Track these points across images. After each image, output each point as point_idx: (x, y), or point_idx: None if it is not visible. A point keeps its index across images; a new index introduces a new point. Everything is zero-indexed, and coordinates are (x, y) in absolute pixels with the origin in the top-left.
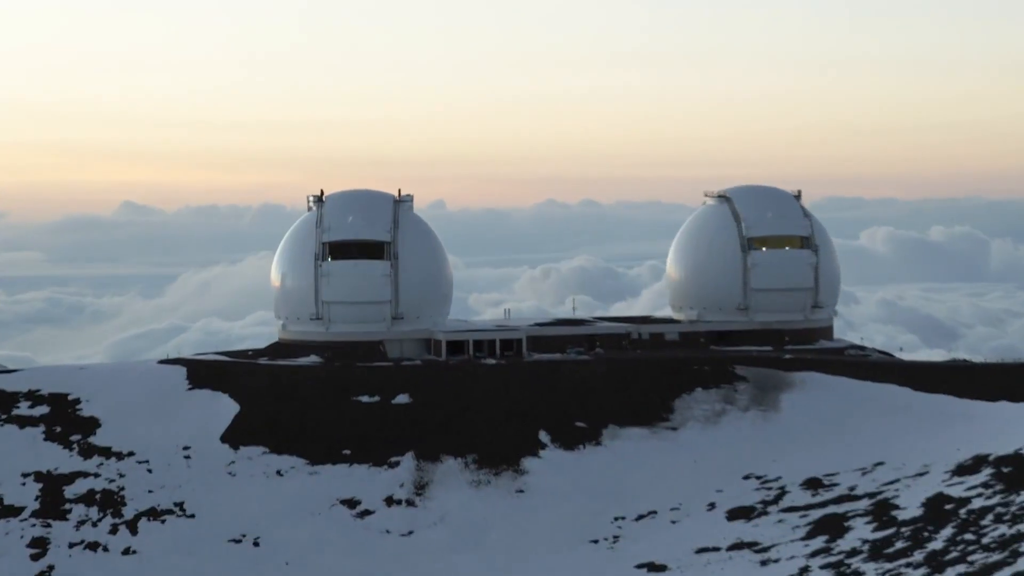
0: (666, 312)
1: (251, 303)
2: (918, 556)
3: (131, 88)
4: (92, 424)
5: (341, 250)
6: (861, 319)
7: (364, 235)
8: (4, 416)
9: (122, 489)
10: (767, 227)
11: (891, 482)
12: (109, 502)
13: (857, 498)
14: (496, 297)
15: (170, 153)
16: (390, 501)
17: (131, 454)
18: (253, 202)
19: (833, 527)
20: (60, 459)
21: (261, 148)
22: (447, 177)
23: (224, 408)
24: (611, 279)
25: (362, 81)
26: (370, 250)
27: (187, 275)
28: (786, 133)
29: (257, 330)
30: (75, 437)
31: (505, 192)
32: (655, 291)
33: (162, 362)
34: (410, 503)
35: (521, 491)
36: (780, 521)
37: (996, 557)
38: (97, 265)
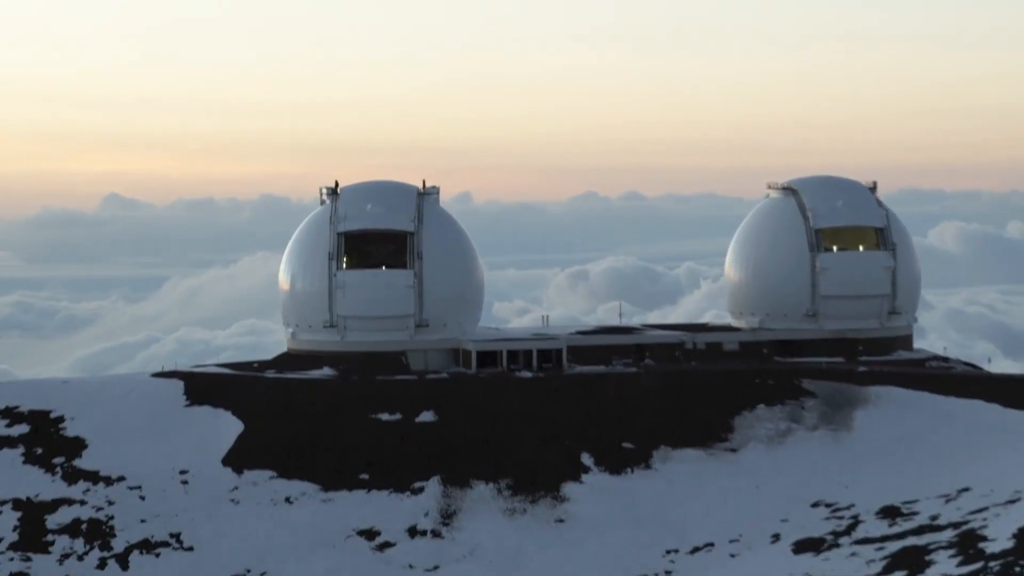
0: (724, 319)
1: (240, 310)
2: None
3: (118, 65)
4: (77, 445)
5: (359, 244)
6: (934, 325)
7: (385, 224)
8: None
9: (111, 518)
10: (837, 217)
11: (978, 510)
12: (97, 533)
13: (940, 528)
14: (520, 306)
15: (163, 139)
16: (413, 532)
17: (121, 479)
18: (255, 194)
19: (913, 561)
20: (41, 484)
21: (264, 133)
22: (474, 167)
23: (226, 427)
24: (651, 282)
25: (378, 57)
26: (391, 243)
27: (175, 280)
28: (859, 115)
29: (241, 340)
30: (58, 460)
31: (539, 184)
32: (701, 294)
33: (156, 375)
34: (436, 534)
35: (561, 520)
36: (853, 555)
37: None
38: (76, 266)
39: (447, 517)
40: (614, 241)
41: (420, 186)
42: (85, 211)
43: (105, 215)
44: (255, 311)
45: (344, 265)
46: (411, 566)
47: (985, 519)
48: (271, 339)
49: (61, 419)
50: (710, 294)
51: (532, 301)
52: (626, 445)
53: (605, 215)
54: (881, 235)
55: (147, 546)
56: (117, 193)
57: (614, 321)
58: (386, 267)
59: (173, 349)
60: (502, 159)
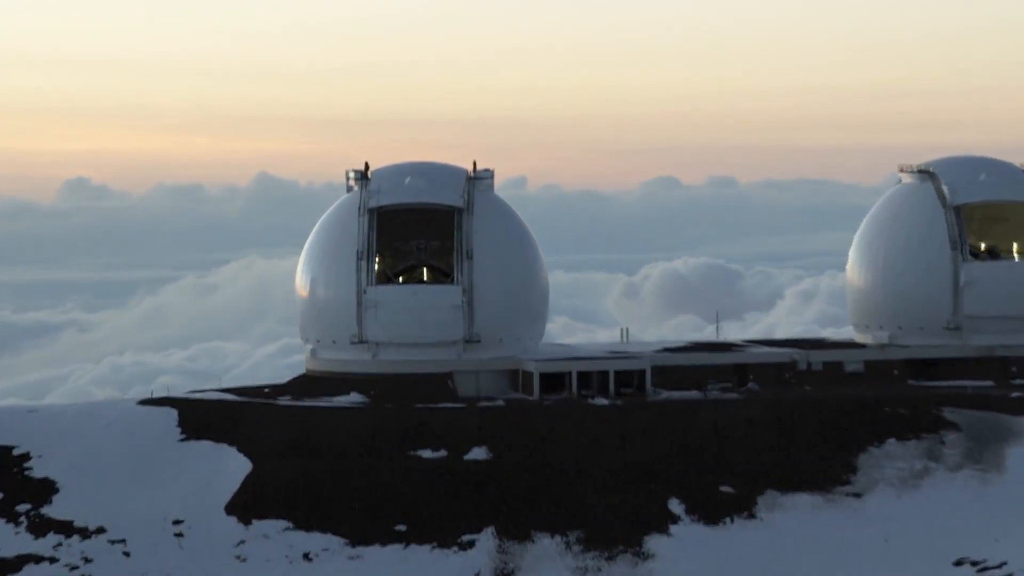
0: (846, 332)
1: (205, 330)
2: None
3: (85, 18)
4: (47, 489)
5: (393, 225)
6: None
7: (428, 198)
8: None
9: None
10: (979, 192)
11: None
12: None
13: None
14: (562, 324)
15: (140, 110)
16: None
17: (101, 531)
18: (251, 177)
19: None
20: (2, 537)
21: (267, 103)
22: (533, 145)
23: (231, 466)
24: (742, 287)
25: (410, 12)
26: (436, 226)
27: (147, 287)
28: (1006, 84)
29: (190, 365)
30: (23, 507)
31: (609, 166)
32: (808, 302)
33: (144, 403)
34: None
35: None
36: None
37: None
38: (23, 268)
39: None
40: (695, 237)
41: (471, 168)
42: (39, 201)
43: (65, 206)
44: (226, 330)
45: (376, 266)
46: None
47: None
48: (224, 363)
49: (26, 456)
50: (822, 302)
51: (580, 316)
52: (724, 489)
53: (685, 205)
54: None
55: None
56: (84, 178)
57: (708, 336)
58: (427, 271)
59: (102, 375)
60: (565, 134)
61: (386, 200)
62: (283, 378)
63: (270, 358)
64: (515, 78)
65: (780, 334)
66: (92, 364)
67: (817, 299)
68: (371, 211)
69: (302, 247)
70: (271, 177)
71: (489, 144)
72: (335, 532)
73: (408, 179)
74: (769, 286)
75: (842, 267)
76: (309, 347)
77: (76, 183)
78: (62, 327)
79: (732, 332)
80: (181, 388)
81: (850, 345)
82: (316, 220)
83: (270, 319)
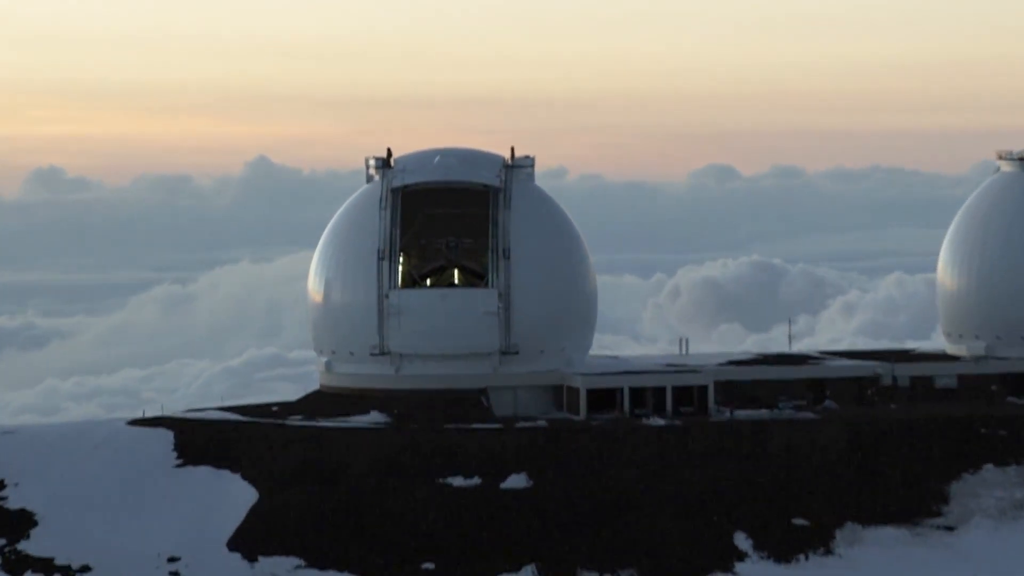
0: (936, 343)
1: (166, 349)
2: None
3: None
4: (24, 521)
5: (420, 205)
6: None
7: (461, 176)
8: None
9: None
10: None
11: None
12: None
13: None
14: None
15: (122, 90)
16: None
17: (86, 570)
18: (245, 163)
19: None
20: None
21: (268, 81)
22: (573, 129)
23: (234, 496)
24: (809, 291)
25: None
26: (469, 208)
27: (119, 296)
28: None
29: (129, 384)
30: None
31: (656, 154)
32: (889, 308)
33: (135, 423)
34: None
35: None
36: None
37: None
38: None
39: None
40: (750, 235)
41: (508, 155)
42: (2, 196)
43: (31, 199)
44: (196, 348)
45: (399, 267)
46: None
47: None
48: (167, 384)
49: (1, 484)
50: (911, 307)
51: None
52: (798, 522)
53: (741, 197)
54: None
55: None
56: (57, 167)
57: (779, 347)
58: (459, 272)
59: (30, 404)
60: (609, 118)
61: (412, 179)
62: (236, 399)
63: (228, 374)
64: (550, 55)
65: (864, 344)
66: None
67: (875, 306)
68: (395, 192)
69: (301, 244)
70: (269, 163)
71: (524, 128)
72: (352, 571)
73: (438, 158)
74: (824, 289)
75: (913, 268)
76: (323, 360)
77: (47, 173)
78: (14, 333)
79: (812, 342)
80: (114, 411)
81: (941, 357)
82: (319, 212)
83: (247, 332)
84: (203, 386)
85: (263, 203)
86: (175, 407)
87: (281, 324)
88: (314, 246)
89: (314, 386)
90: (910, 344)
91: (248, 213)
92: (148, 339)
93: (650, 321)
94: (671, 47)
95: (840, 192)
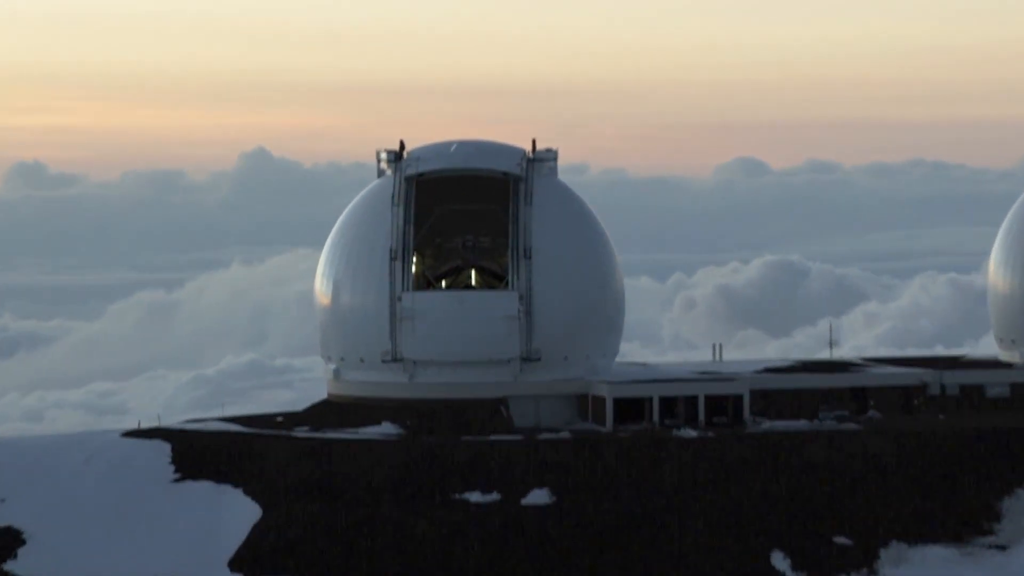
0: (987, 348)
1: (139, 362)
2: None
3: None
4: (11, 540)
5: (433, 195)
6: None
7: (479, 163)
8: None
9: None
10: None
11: None
12: None
13: None
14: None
15: (110, 77)
16: None
17: None
18: (240, 155)
19: None
20: None
21: (267, 69)
22: (597, 117)
23: (235, 512)
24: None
25: None
26: (488, 201)
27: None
28: None
29: (90, 398)
30: None
31: (683, 148)
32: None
33: (130, 434)
34: None
35: None
36: None
37: None
38: None
39: None
40: (781, 232)
41: (529, 147)
42: None
43: (12, 195)
44: (170, 359)
45: (413, 267)
46: None
47: None
48: (129, 400)
49: None
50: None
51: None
52: (839, 540)
53: (772, 193)
54: None
55: None
56: (40, 162)
57: (802, 353)
58: (476, 274)
59: None
60: (635, 108)
61: (427, 167)
62: (205, 411)
63: (198, 384)
64: (573, 45)
65: (913, 349)
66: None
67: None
68: (409, 180)
69: (300, 242)
70: (267, 155)
71: (544, 119)
72: None
73: (455, 146)
74: (850, 292)
75: (959, 268)
76: (332, 367)
77: (28, 169)
78: None
79: (849, 345)
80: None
81: (993, 364)
82: (321, 208)
83: (229, 341)
84: (170, 398)
85: (260, 198)
86: (131, 423)
87: (266, 331)
88: (314, 244)
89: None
90: (942, 350)
91: (244, 209)
92: (123, 350)
93: (665, 325)
94: (697, 32)
95: (878, 188)
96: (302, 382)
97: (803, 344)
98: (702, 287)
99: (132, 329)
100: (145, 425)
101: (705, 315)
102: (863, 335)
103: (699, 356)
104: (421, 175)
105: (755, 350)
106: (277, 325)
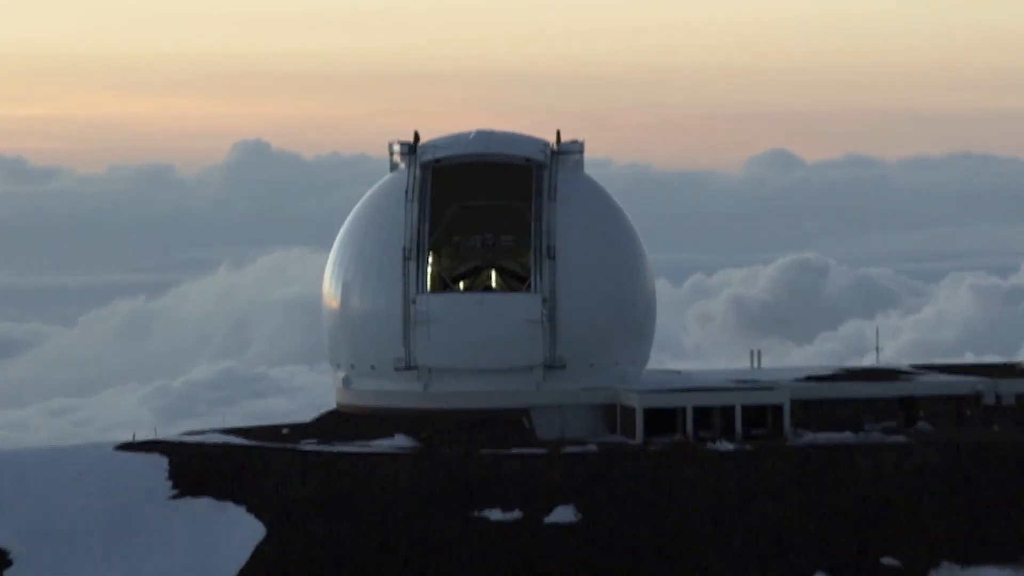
0: None
1: (104, 374)
2: None
3: None
4: None
5: (450, 184)
6: None
7: (500, 149)
8: None
9: None
10: None
11: None
12: None
13: None
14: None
15: (98, 66)
16: None
17: None
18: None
19: None
20: None
21: (266, 57)
22: (623, 109)
23: (239, 531)
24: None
25: None
26: (509, 193)
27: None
28: None
29: (48, 419)
30: None
31: (712, 140)
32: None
33: (123, 447)
34: None
35: None
36: None
37: None
38: None
39: None
40: (814, 230)
41: (554, 139)
42: None
43: None
44: (141, 373)
45: (429, 268)
46: None
47: None
48: (90, 416)
49: None
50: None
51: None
52: (887, 561)
53: (806, 188)
54: None
55: None
56: (20, 157)
57: (828, 360)
58: (497, 275)
59: None
60: (662, 97)
61: (444, 153)
62: (170, 424)
63: (160, 394)
64: (594, 33)
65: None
66: None
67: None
68: (425, 168)
69: (298, 242)
70: (262, 146)
71: (566, 110)
72: None
73: (474, 134)
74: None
75: (986, 269)
76: (341, 375)
77: (9, 160)
78: None
79: (896, 350)
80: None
81: None
82: (322, 203)
83: (206, 351)
84: (130, 410)
85: (254, 193)
86: (88, 438)
87: (250, 337)
88: (313, 242)
89: (328, 406)
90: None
91: (236, 206)
92: (93, 362)
93: (683, 331)
94: (727, 17)
95: (921, 183)
96: (277, 392)
97: (830, 350)
98: (719, 290)
99: (106, 340)
100: (141, 438)
101: (720, 327)
102: (899, 338)
103: (717, 365)
104: (438, 161)
105: (778, 356)
106: (259, 332)
